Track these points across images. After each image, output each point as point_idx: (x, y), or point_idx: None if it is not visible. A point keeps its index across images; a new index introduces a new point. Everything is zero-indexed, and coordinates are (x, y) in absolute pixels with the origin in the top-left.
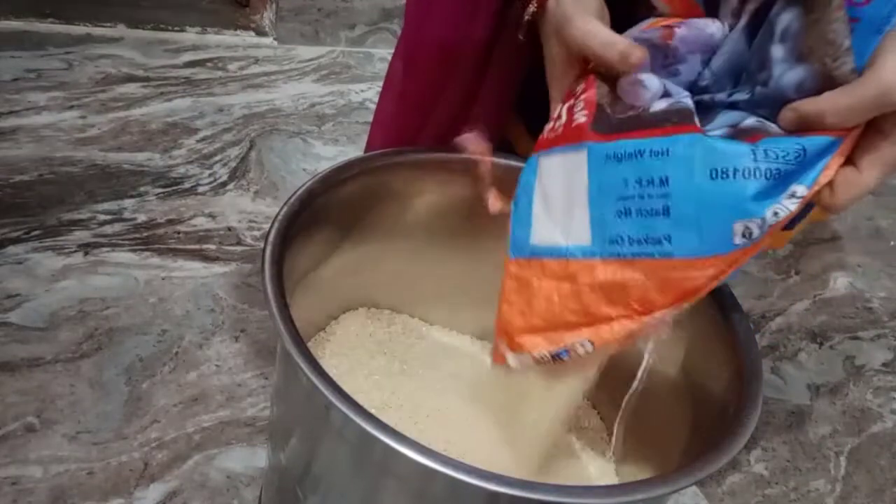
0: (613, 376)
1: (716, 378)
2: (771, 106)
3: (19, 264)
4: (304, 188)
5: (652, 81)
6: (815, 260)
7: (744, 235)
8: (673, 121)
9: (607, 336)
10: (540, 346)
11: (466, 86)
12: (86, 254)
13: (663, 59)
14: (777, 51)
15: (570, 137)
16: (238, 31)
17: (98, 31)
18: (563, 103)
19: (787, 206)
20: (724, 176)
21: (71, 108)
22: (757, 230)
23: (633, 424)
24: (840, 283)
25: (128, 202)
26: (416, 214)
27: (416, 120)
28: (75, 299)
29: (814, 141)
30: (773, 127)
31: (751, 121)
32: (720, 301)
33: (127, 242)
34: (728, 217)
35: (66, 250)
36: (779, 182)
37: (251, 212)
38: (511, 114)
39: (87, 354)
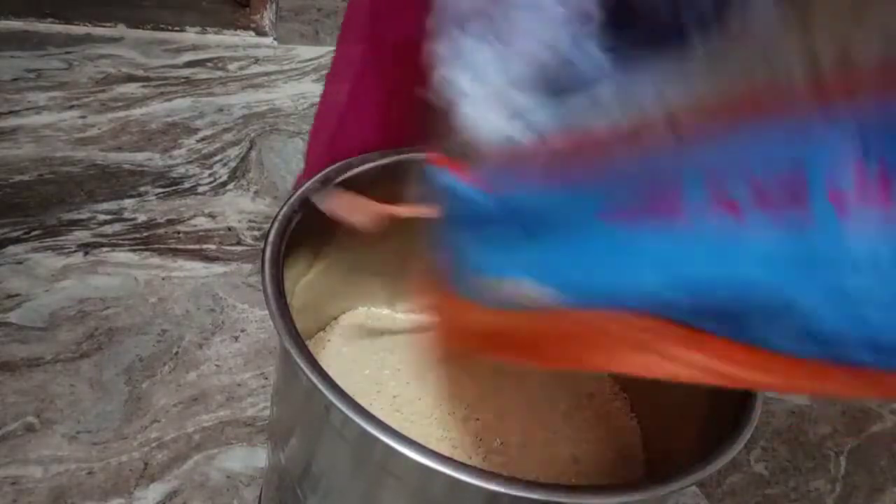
0: None
1: None
2: None
3: (19, 264)
4: (303, 188)
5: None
6: None
7: None
8: None
9: None
10: None
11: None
12: (86, 254)
13: None
14: None
15: None
16: (238, 31)
17: (98, 31)
18: None
19: None
20: None
21: (71, 108)
22: None
23: (649, 422)
24: None
25: (128, 202)
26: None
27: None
28: (75, 299)
29: None
30: None
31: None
32: None
33: (127, 242)
34: None
35: (66, 250)
36: None
37: (251, 212)
38: None
39: (87, 354)
